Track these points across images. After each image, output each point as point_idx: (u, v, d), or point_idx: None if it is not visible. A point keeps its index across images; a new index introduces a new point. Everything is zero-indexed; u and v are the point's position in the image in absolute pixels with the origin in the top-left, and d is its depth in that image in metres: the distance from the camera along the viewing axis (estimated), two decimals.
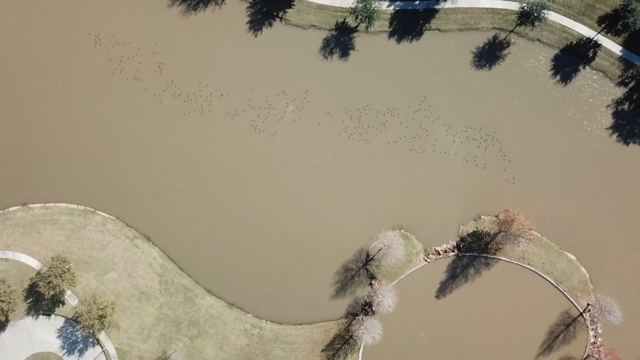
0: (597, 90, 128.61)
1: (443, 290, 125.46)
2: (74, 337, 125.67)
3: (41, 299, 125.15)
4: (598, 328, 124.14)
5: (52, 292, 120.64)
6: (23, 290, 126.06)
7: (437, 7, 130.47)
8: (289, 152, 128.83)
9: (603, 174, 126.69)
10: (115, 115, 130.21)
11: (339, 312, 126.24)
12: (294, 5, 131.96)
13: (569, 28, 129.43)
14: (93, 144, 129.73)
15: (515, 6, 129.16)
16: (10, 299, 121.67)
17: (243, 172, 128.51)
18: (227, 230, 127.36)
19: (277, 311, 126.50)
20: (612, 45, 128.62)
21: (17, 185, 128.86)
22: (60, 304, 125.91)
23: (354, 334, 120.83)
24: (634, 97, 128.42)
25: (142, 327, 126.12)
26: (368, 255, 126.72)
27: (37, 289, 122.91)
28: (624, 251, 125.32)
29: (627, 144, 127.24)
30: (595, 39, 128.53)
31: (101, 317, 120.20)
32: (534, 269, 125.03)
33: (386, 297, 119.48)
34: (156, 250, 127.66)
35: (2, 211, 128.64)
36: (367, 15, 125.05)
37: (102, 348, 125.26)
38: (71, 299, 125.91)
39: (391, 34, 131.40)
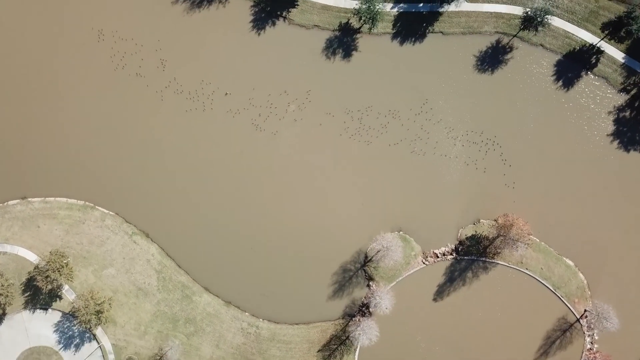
0: (599, 96, 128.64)
1: (441, 293, 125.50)
2: (70, 332, 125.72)
3: (38, 293, 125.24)
4: (595, 334, 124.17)
5: (49, 287, 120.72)
6: (21, 284, 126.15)
7: (440, 10, 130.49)
8: (289, 151, 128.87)
9: (603, 181, 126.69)
10: (116, 111, 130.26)
11: (336, 313, 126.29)
12: (297, 5, 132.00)
13: (572, 34, 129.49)
14: (94, 139, 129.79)
15: (519, 11, 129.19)
16: (7, 292, 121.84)
17: (243, 170, 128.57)
18: (226, 228, 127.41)
19: (274, 310, 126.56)
20: (615, 52, 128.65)
21: (16, 179, 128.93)
22: (58, 299, 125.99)
23: (351, 335, 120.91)
24: (636, 105, 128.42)
25: (139, 324, 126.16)
26: (366, 257, 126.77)
27: (34, 283, 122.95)
28: (623, 258, 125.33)
29: (628, 151, 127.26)
30: (598, 45, 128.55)
31: (98, 313, 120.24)
32: (532, 274, 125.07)
33: (383, 298, 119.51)
34: (155, 247, 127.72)
35: (1, 204, 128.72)
36: (370, 16, 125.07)
37: (98, 343, 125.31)
38: (69, 293, 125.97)
39: (394, 36, 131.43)
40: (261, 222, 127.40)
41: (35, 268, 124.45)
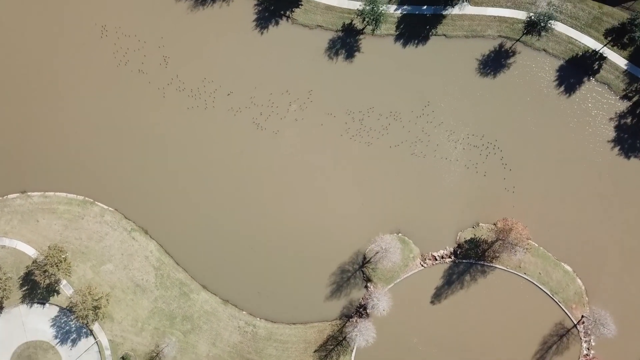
0: (600, 102, 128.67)
1: (438, 296, 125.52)
2: (67, 327, 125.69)
3: (36, 288, 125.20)
4: (591, 340, 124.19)
5: (47, 281, 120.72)
6: (18, 278, 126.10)
7: (444, 12, 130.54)
8: (290, 151, 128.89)
9: (603, 187, 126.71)
10: (118, 107, 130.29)
11: (333, 313, 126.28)
12: (301, 4, 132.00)
13: (575, 39, 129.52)
14: (95, 134, 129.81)
15: (522, 15, 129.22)
16: (5, 286, 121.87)
17: (243, 169, 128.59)
18: (225, 227, 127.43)
19: (272, 310, 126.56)
20: (617, 59, 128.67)
21: (17, 173, 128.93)
22: (55, 293, 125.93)
23: (348, 336, 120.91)
24: (637, 112, 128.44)
25: (136, 320, 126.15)
26: (365, 258, 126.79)
27: (32, 277, 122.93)
28: (621, 265, 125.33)
29: (629, 157, 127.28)
30: (601, 51, 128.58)
31: (96, 308, 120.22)
32: (529, 279, 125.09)
33: (381, 300, 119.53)
34: (153, 243, 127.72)
35: (1, 198, 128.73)
36: (374, 17, 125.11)
37: (95, 339, 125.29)
38: (66, 288, 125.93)
39: (397, 38, 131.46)
40: (260, 221, 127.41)
41: (33, 262, 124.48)
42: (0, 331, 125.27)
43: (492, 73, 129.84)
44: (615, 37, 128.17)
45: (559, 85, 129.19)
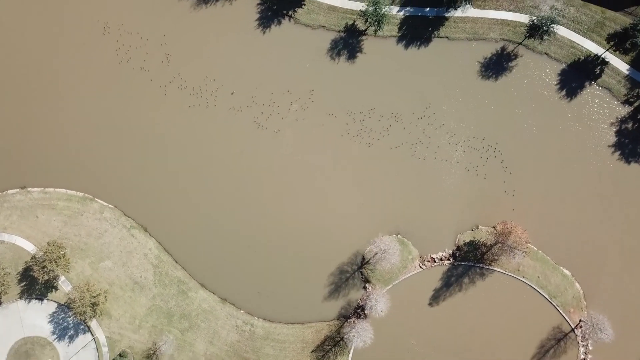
0: (601, 107, 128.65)
1: (436, 298, 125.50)
2: (65, 323, 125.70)
3: (34, 283, 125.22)
4: (589, 345, 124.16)
5: (46, 277, 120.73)
6: (17, 274, 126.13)
7: (447, 15, 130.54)
8: (290, 150, 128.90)
9: (603, 192, 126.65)
10: (119, 104, 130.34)
11: (331, 314, 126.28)
12: (304, 4, 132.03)
13: (578, 44, 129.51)
14: (95, 131, 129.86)
15: (525, 19, 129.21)
16: (3, 281, 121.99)
17: (243, 168, 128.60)
18: (225, 225, 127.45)
19: (270, 309, 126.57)
20: (619, 64, 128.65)
21: (17, 169, 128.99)
22: (54, 289, 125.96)
23: (345, 337, 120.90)
24: (638, 117, 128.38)
25: (134, 317, 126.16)
26: (364, 259, 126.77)
27: (31, 273, 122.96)
28: (620, 269, 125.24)
29: (629, 162, 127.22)
30: (603, 56, 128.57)
31: (93, 305, 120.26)
32: (528, 282, 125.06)
33: (379, 301, 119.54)
34: (152, 241, 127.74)
35: (0, 193, 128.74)
36: (376, 19, 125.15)
37: (92, 336, 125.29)
38: (65, 285, 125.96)
39: (399, 39, 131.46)
40: (260, 221, 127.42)
41: (32, 258, 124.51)
42: None
43: (494, 76, 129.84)
44: (618, 42, 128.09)
45: (561, 89, 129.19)
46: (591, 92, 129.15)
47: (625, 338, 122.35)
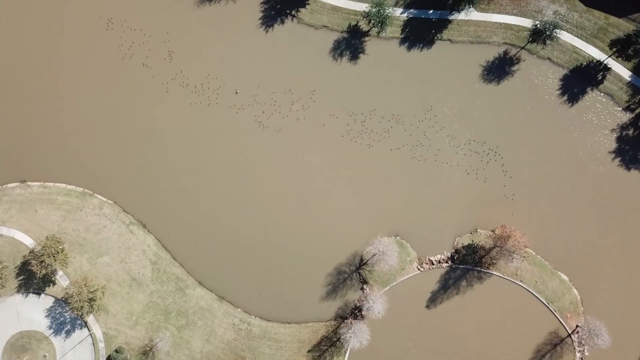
0: (603, 113, 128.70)
1: (434, 300, 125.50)
2: (62, 318, 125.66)
3: (32, 278, 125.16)
4: (585, 350, 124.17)
5: (43, 272, 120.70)
6: (15, 267, 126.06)
7: (450, 17, 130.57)
8: (290, 150, 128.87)
9: (603, 198, 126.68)
10: (121, 100, 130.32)
11: (328, 314, 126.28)
12: (308, 4, 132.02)
13: (580, 49, 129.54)
14: (96, 126, 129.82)
15: (528, 23, 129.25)
16: (1, 275, 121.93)
17: (244, 167, 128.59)
18: (224, 223, 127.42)
19: (267, 308, 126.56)
20: (621, 70, 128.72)
21: (17, 162, 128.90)
22: (51, 284, 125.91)
23: (342, 337, 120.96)
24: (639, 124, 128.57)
25: (131, 314, 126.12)
26: (362, 260, 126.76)
27: (29, 267, 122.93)
28: (618, 276, 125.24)
29: (629, 169, 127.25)
30: (605, 62, 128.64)
31: (91, 300, 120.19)
32: (525, 287, 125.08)
33: (376, 302, 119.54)
34: (151, 237, 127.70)
35: (0, 187, 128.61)
36: (380, 20, 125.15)
37: (89, 331, 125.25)
38: (62, 279, 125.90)
39: (402, 41, 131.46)
40: (259, 219, 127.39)
41: (30, 252, 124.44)
42: None
43: (496, 80, 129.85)
44: (620, 48, 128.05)
45: (562, 94, 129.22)
46: (593, 98, 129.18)
47: (621, 344, 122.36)
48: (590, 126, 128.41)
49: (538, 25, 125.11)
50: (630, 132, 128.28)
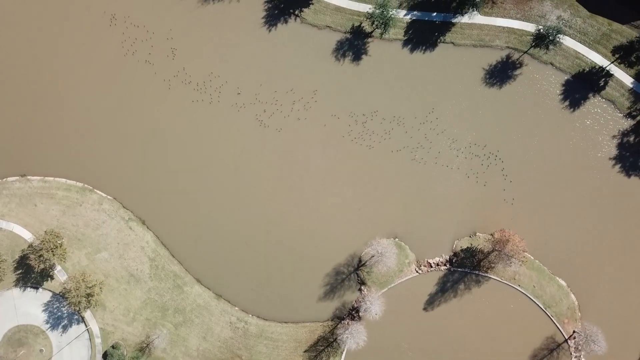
0: (604, 119, 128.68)
1: (431, 303, 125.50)
2: (59, 313, 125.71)
3: (30, 272, 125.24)
4: (582, 356, 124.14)
5: (42, 266, 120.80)
6: (13, 261, 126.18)
7: (453, 20, 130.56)
8: (291, 149, 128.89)
9: (602, 204, 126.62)
10: (123, 96, 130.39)
11: (325, 314, 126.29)
12: (311, 4, 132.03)
13: (583, 55, 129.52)
14: (97, 122, 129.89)
15: (531, 28, 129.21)
16: None
17: (244, 166, 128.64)
18: (223, 222, 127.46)
19: (264, 307, 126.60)
20: (624, 77, 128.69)
21: (17, 156, 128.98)
22: (49, 279, 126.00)
23: (338, 338, 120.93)
24: None
25: (128, 310, 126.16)
26: (360, 261, 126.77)
27: (27, 261, 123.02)
28: (615, 282, 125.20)
29: (629, 176, 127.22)
30: (607, 68, 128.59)
31: (88, 296, 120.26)
32: (523, 291, 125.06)
33: (374, 304, 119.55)
34: (150, 234, 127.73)
35: (0, 180, 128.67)
36: (383, 21, 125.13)
37: (86, 326, 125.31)
38: (60, 274, 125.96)
39: (405, 43, 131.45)
40: (258, 218, 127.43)
41: (29, 246, 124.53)
42: None
43: (498, 83, 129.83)
44: (623, 54, 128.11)
45: (564, 99, 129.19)
46: (594, 104, 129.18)
47: (618, 351, 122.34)
48: (591, 132, 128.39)
49: (541, 30, 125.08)
50: (631, 138, 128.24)
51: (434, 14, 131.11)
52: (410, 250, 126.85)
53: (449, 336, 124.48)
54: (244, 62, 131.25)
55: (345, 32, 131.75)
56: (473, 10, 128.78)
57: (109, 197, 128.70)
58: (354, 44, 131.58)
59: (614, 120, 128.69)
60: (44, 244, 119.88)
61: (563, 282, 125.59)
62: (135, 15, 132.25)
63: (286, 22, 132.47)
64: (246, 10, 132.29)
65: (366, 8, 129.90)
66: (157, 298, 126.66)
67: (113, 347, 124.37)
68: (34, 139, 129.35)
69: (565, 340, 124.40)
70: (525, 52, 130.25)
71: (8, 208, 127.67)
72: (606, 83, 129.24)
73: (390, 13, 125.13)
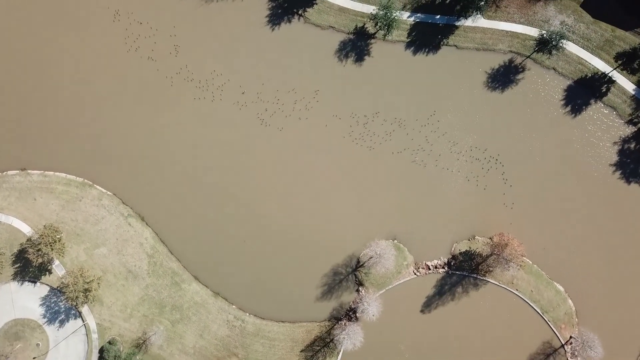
0: (605, 125, 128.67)
1: (428, 305, 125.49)
2: (56, 308, 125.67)
3: (28, 266, 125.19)
4: None
5: (40, 260, 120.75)
6: (11, 255, 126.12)
7: (457, 23, 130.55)
8: (292, 149, 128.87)
9: (601, 210, 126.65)
10: (124, 92, 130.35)
11: (322, 314, 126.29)
12: (315, 4, 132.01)
13: (586, 61, 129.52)
14: (99, 117, 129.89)
15: (534, 32, 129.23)
16: None
17: (244, 164, 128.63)
18: (221, 220, 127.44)
19: (262, 306, 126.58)
20: (626, 83, 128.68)
21: (18, 150, 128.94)
22: (47, 273, 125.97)
23: (335, 338, 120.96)
24: None
25: (126, 306, 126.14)
26: (358, 262, 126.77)
27: (25, 255, 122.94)
28: (613, 289, 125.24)
29: (629, 182, 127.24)
30: (610, 74, 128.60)
31: (86, 291, 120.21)
32: (521, 295, 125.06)
33: (371, 305, 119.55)
34: (149, 231, 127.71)
35: (0, 173, 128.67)
36: (386, 23, 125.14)
37: (83, 321, 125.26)
38: (58, 269, 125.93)
39: (408, 45, 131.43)
40: (257, 217, 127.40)
41: (27, 240, 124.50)
42: None
43: (500, 87, 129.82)
44: (626, 61, 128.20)
45: (566, 105, 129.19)
46: (596, 110, 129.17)
47: (614, 357, 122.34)
48: (592, 138, 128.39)
49: (544, 35, 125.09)
50: (632, 145, 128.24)
51: (438, 16, 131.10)
52: (409, 252, 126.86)
53: (445, 339, 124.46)
54: (247, 60, 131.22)
55: (348, 33, 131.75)
56: (477, 14, 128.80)
57: (108, 192, 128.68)
58: (356, 44, 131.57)
59: (615, 126, 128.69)
60: (43, 238, 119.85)
61: (561, 288, 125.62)
62: (139, 12, 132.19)
63: (290, 21, 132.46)
64: (250, 9, 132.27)
65: (370, 9, 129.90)
66: (154, 295, 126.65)
67: (110, 342, 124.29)
68: (35, 133, 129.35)
69: (562, 346, 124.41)
70: (528, 56, 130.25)
71: (7, 202, 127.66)
72: (608, 89, 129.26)
73: (394, 15, 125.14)
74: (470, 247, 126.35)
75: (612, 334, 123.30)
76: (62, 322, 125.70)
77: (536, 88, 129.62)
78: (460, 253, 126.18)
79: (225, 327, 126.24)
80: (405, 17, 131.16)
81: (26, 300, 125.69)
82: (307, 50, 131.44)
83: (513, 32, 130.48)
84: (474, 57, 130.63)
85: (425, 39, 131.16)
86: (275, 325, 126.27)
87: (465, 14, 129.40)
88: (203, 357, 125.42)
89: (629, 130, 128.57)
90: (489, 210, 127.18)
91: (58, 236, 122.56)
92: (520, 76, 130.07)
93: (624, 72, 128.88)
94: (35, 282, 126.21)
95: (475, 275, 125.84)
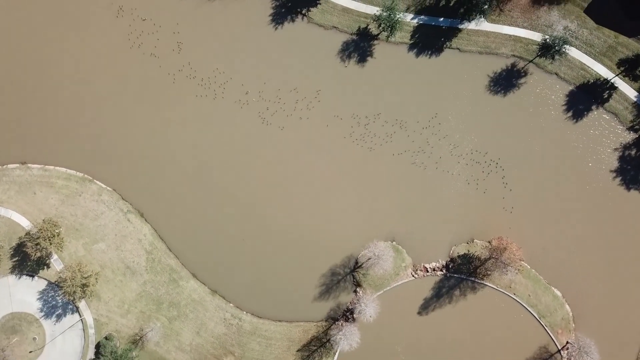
0: (606, 131, 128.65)
1: (426, 307, 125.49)
2: (54, 302, 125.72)
3: (27, 260, 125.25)
4: None
5: (38, 254, 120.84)
6: (10, 248, 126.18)
7: (460, 26, 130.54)
8: (292, 148, 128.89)
9: (600, 216, 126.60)
10: (126, 88, 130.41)
11: (320, 315, 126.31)
12: (319, 4, 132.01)
13: (588, 66, 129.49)
14: (99, 113, 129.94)
15: (537, 37, 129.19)
16: None
17: (245, 163, 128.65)
18: (221, 218, 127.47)
19: (259, 305, 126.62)
20: (628, 90, 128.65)
21: (19, 144, 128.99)
22: (45, 267, 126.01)
23: (332, 338, 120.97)
24: None
25: (123, 302, 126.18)
26: (357, 263, 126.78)
27: (24, 249, 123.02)
28: (611, 295, 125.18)
29: (629, 189, 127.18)
30: (612, 81, 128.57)
31: (84, 286, 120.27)
32: (518, 300, 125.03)
33: (369, 306, 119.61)
34: (148, 227, 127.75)
35: (0, 167, 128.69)
36: (390, 24, 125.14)
37: (80, 316, 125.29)
38: (57, 263, 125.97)
39: (411, 47, 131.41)
40: (257, 216, 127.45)
41: (26, 234, 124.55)
42: None
43: (502, 91, 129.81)
44: (628, 67, 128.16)
45: (567, 110, 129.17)
46: (597, 116, 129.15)
47: None
48: (593, 144, 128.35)
49: (547, 40, 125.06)
50: (633, 152, 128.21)
51: (441, 19, 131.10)
52: (407, 254, 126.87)
53: (441, 341, 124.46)
54: (250, 59, 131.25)
55: (351, 34, 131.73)
56: (480, 17, 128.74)
57: (108, 188, 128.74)
58: (359, 45, 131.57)
59: (616, 133, 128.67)
60: (42, 232, 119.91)
61: (558, 293, 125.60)
62: (142, 8, 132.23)
63: (293, 21, 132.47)
64: (253, 7, 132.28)
65: (373, 10, 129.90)
66: (152, 291, 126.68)
67: (106, 338, 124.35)
68: (36, 127, 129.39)
69: (559, 351, 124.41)
70: (531, 61, 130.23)
71: (7, 195, 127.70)
72: (610, 95, 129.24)
73: (398, 16, 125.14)
74: (468, 250, 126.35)
75: (609, 340, 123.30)
76: (59, 317, 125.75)
77: (538, 92, 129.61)
78: (458, 256, 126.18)
79: (222, 325, 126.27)
80: (409, 19, 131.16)
81: (24, 294, 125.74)
82: (310, 50, 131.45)
83: (516, 36, 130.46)
84: (476, 60, 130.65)
85: (428, 41, 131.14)
86: (272, 324, 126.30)
87: (468, 17, 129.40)
88: (199, 354, 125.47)
89: (630, 136, 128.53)
90: (488, 214, 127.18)
91: (57, 230, 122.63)
92: (522, 80, 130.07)
93: (626, 78, 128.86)
94: (33, 276, 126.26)
95: (473, 279, 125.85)
